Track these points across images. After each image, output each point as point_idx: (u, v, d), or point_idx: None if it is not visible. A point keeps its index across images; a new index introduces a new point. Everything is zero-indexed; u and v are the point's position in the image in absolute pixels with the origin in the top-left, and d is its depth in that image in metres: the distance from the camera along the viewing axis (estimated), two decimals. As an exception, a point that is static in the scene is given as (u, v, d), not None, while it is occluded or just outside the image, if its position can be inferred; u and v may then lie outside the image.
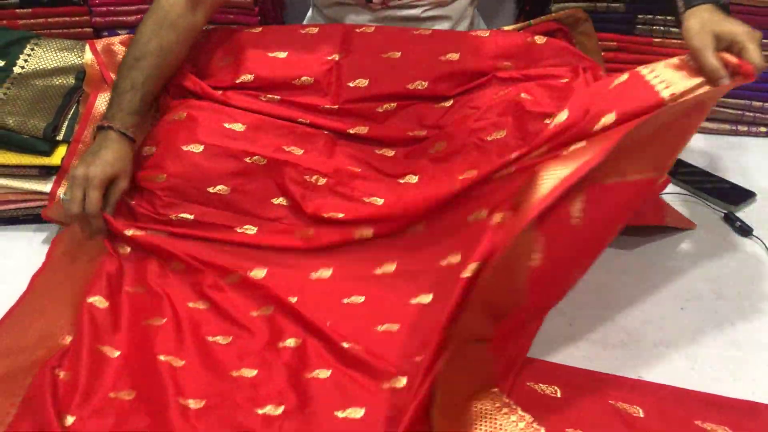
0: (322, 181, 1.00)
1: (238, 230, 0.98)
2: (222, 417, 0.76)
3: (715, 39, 0.82)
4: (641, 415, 0.78)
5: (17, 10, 1.29)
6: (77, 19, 1.31)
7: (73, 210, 0.92)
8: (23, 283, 0.96)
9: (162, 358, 0.82)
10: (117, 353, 0.83)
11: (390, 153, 1.04)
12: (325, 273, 0.93)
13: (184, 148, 0.97)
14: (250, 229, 0.98)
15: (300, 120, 1.03)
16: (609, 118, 0.81)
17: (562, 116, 0.85)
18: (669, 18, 1.29)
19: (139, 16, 1.31)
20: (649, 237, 1.07)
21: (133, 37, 1.01)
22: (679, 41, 1.31)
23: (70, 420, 0.75)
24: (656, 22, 1.30)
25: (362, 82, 1.04)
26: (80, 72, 1.14)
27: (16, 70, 1.13)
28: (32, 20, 1.30)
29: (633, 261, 1.03)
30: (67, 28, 1.31)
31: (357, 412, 0.76)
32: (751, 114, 1.36)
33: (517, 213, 0.76)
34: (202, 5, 1.03)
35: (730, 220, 1.12)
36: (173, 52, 1.01)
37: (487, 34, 1.07)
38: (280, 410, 0.77)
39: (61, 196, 0.96)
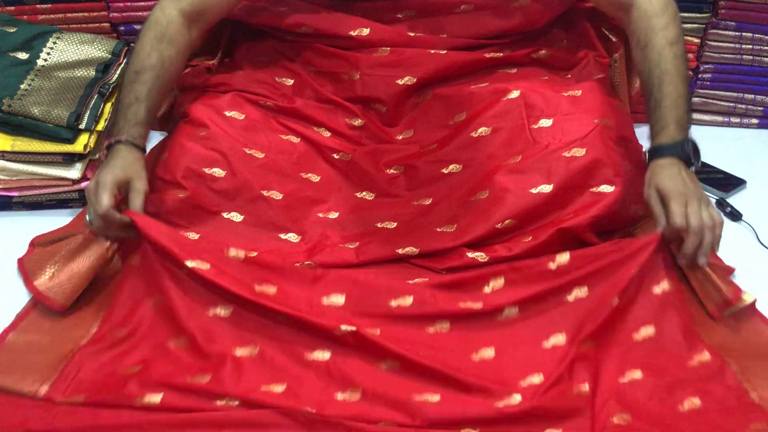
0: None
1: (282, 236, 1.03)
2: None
3: (657, 192, 0.92)
4: None
5: (37, 6, 1.33)
6: (95, 14, 1.36)
7: (94, 223, 0.92)
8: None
9: None
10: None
11: None
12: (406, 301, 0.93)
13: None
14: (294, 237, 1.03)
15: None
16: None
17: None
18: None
19: (154, 12, 1.36)
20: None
21: (133, 51, 1.04)
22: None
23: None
24: (652, 18, 1.35)
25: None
26: (100, 64, 1.20)
27: (40, 62, 1.18)
28: (51, 15, 1.34)
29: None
30: (86, 23, 1.36)
31: None
32: (743, 106, 1.42)
33: None
34: (196, 24, 1.07)
35: (722, 205, 1.17)
36: (174, 65, 1.05)
37: None
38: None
39: (86, 218, 0.94)
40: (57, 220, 1.14)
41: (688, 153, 0.94)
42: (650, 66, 0.97)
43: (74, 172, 1.12)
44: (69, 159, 1.12)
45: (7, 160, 1.11)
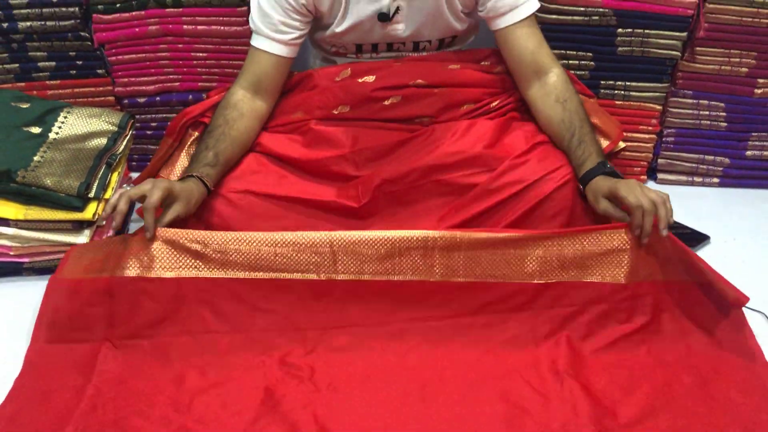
0: None
1: None
2: None
3: (606, 199, 1.09)
4: None
5: (47, 82, 1.43)
6: (101, 89, 1.45)
7: (121, 204, 1.03)
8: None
9: None
10: None
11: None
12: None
13: None
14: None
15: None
16: None
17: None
18: (629, 83, 1.46)
19: (156, 86, 1.46)
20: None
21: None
22: (639, 103, 1.48)
23: None
24: (617, 87, 1.47)
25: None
26: (113, 134, 1.28)
27: (51, 136, 1.25)
28: (60, 90, 1.44)
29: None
30: (92, 97, 1.45)
31: None
32: (705, 167, 1.53)
33: None
34: (260, 95, 1.24)
35: (688, 260, 1.26)
36: (237, 122, 1.20)
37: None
38: None
39: (126, 187, 1.06)
40: (65, 283, 1.19)
41: (611, 168, 1.13)
42: (571, 113, 1.19)
43: (83, 237, 1.19)
44: (78, 226, 1.19)
45: (20, 228, 1.17)
